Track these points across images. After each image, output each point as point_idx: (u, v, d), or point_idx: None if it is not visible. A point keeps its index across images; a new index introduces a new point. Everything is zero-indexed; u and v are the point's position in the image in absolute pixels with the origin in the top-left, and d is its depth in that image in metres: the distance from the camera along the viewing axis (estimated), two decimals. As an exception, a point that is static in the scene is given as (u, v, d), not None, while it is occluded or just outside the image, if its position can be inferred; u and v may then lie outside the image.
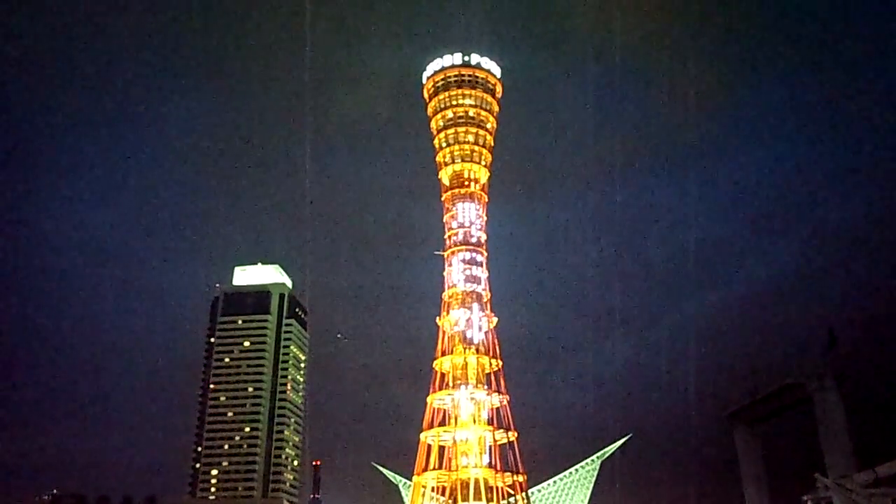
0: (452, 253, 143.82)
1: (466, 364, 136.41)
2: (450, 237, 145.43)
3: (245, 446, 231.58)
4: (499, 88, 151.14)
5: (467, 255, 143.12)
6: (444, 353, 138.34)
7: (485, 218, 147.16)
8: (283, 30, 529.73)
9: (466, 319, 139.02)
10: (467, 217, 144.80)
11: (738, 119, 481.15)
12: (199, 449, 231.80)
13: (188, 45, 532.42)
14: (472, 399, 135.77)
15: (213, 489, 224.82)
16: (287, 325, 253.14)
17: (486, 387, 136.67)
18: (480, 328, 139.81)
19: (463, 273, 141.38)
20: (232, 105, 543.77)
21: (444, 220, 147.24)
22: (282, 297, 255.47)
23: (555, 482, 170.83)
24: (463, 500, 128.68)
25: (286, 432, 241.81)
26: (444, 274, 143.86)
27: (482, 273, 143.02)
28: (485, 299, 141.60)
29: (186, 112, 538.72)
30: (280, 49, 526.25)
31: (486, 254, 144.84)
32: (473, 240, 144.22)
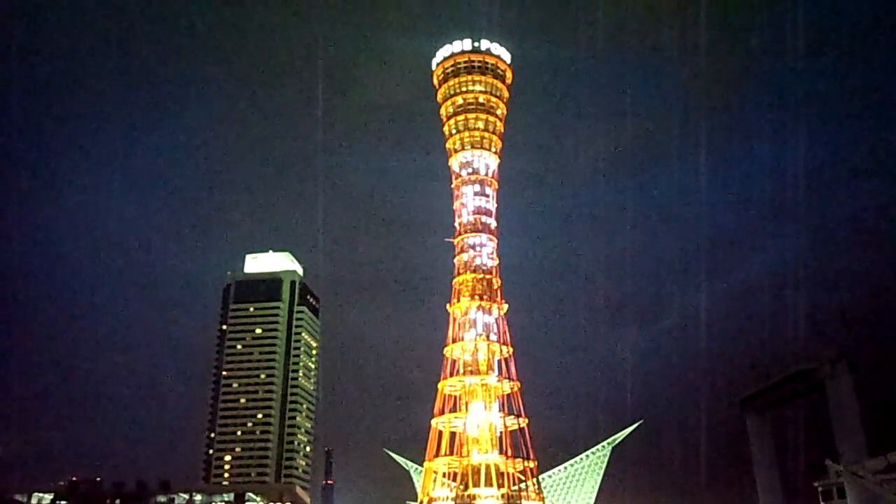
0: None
1: (477, 351, 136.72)
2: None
3: (258, 432, 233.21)
4: (509, 74, 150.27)
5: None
6: (454, 340, 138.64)
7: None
8: (297, 18, 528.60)
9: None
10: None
11: (749, 110, 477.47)
12: (213, 435, 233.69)
13: (203, 37, 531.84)
14: (483, 385, 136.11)
15: (226, 475, 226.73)
16: (298, 312, 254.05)
17: (496, 373, 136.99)
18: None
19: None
20: (245, 94, 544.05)
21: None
22: (293, 284, 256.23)
23: (565, 468, 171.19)
24: (474, 485, 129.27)
25: (298, 418, 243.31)
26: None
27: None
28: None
29: (200, 102, 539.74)
30: (294, 38, 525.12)
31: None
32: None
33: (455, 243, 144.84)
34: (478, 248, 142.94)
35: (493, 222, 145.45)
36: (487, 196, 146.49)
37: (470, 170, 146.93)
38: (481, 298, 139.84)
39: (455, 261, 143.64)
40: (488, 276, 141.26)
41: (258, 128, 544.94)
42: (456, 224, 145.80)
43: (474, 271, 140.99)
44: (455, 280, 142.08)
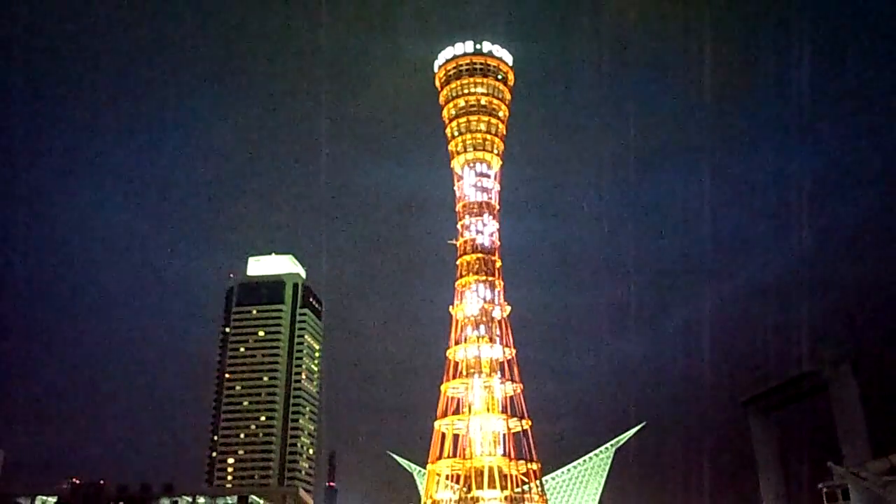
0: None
1: (480, 353, 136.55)
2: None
3: (261, 435, 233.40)
4: (511, 77, 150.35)
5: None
6: (457, 342, 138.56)
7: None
8: (300, 21, 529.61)
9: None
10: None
11: (752, 112, 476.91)
12: (216, 438, 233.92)
13: (208, 39, 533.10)
14: (486, 387, 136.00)
15: (229, 478, 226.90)
16: (301, 314, 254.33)
17: (499, 375, 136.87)
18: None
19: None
20: (249, 98, 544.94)
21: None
22: (296, 286, 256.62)
23: (569, 470, 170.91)
24: (477, 487, 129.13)
25: (301, 421, 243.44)
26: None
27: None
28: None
29: (202, 104, 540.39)
30: (298, 41, 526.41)
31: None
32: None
33: (458, 245, 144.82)
34: (480, 250, 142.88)
35: (496, 224, 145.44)
36: (490, 197, 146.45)
37: (472, 171, 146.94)
38: (484, 300, 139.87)
39: (458, 262, 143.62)
40: (491, 279, 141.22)
41: (261, 130, 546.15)
42: (458, 225, 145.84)
43: (477, 273, 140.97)
44: (458, 282, 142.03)
